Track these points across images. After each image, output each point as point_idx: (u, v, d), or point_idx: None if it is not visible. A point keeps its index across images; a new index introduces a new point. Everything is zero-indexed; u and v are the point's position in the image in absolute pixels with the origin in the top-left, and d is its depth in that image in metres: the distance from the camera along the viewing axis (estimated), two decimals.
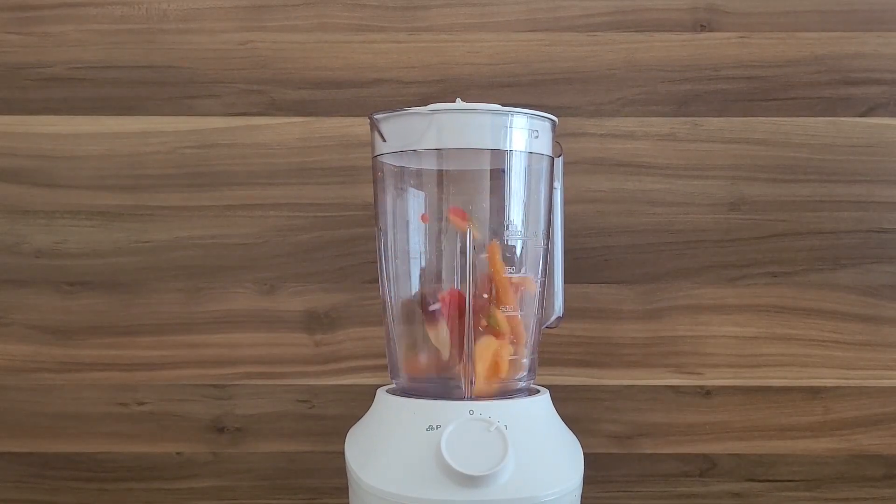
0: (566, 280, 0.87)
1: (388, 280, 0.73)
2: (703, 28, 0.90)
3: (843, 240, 0.90)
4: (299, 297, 0.91)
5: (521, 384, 0.72)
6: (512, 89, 0.90)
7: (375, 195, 0.74)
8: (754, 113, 0.90)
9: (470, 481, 0.62)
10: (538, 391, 0.72)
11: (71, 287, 0.90)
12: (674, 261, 0.90)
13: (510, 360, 0.70)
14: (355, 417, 0.73)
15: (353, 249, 0.90)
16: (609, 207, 0.90)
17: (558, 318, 0.77)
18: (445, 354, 0.69)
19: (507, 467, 0.63)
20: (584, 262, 0.90)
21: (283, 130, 0.90)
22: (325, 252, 0.90)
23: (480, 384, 0.69)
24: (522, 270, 0.71)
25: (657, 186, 0.90)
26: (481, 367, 0.69)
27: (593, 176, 0.90)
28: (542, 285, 0.73)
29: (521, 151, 0.70)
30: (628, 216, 0.90)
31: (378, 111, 0.69)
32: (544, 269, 0.74)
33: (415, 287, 0.72)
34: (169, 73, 0.90)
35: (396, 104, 0.87)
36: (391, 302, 0.73)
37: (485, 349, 0.69)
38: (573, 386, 0.90)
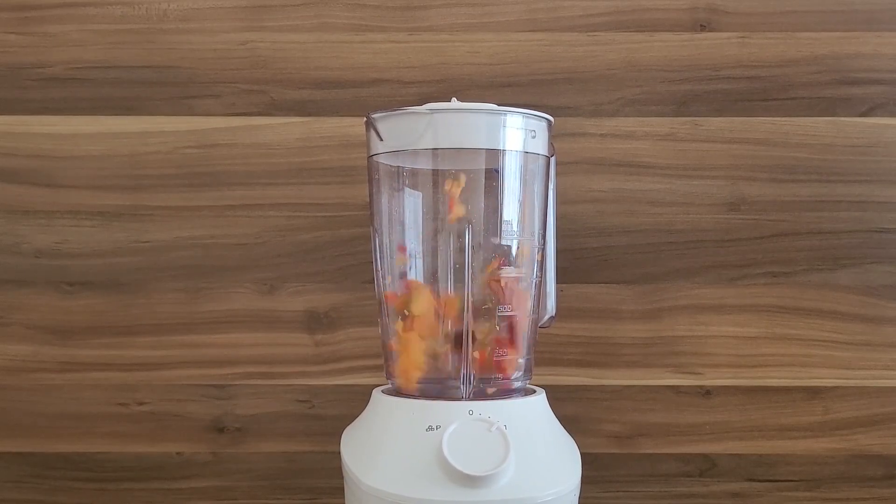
0: (565, 280, 0.87)
1: (384, 280, 0.73)
2: (703, 28, 0.90)
3: (843, 240, 0.90)
4: (299, 297, 0.91)
5: (518, 384, 0.72)
6: (512, 89, 0.90)
7: (371, 195, 0.74)
8: (754, 113, 0.90)
9: (472, 481, 0.62)
10: (534, 391, 0.72)
11: (71, 287, 0.91)
12: (674, 261, 0.90)
13: (507, 361, 0.70)
14: (355, 417, 0.73)
15: (353, 249, 0.90)
16: (609, 207, 0.90)
17: (551, 318, 0.77)
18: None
19: (508, 467, 0.63)
20: (584, 262, 0.90)
21: (283, 130, 0.90)
22: (325, 252, 0.91)
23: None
24: (518, 270, 0.71)
25: (657, 186, 0.90)
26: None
27: (593, 176, 0.90)
28: (538, 285, 0.73)
29: (517, 151, 0.70)
30: (628, 216, 0.90)
31: (375, 111, 0.69)
32: (540, 268, 0.74)
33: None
34: (169, 73, 0.90)
35: (396, 104, 0.87)
36: (387, 302, 0.73)
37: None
38: (573, 386, 0.90)
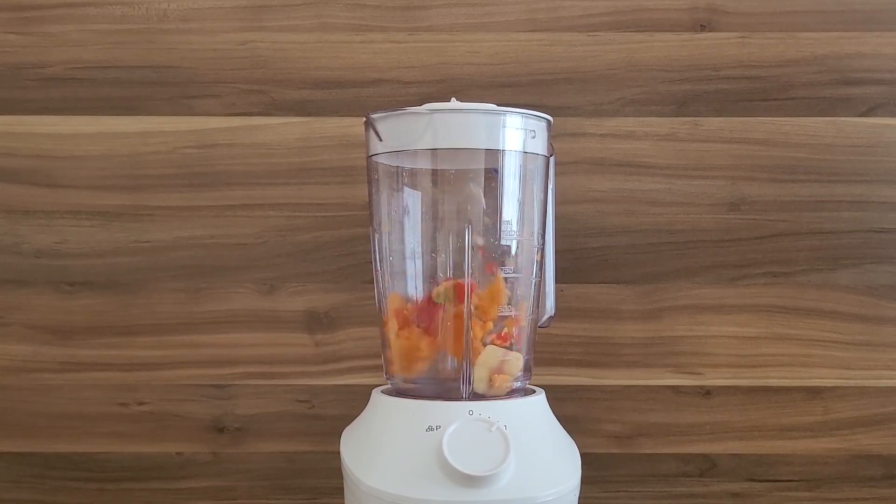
0: (565, 280, 0.87)
1: (384, 280, 0.73)
2: (703, 28, 0.90)
3: (843, 240, 0.90)
4: (299, 297, 0.91)
5: (518, 384, 0.71)
6: (512, 89, 0.90)
7: (370, 195, 0.74)
8: (754, 113, 0.90)
9: (472, 482, 0.62)
10: (534, 391, 0.72)
11: (71, 287, 0.91)
12: (674, 261, 0.90)
13: (507, 361, 0.70)
14: (355, 417, 0.73)
15: (353, 249, 0.90)
16: (609, 207, 0.90)
17: (550, 318, 0.77)
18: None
19: (508, 467, 0.63)
20: (584, 262, 0.90)
21: (283, 130, 0.90)
22: (325, 252, 0.91)
23: (481, 388, 0.69)
24: (517, 270, 0.71)
25: (657, 186, 0.90)
26: (482, 373, 0.69)
27: (593, 176, 0.90)
28: (537, 286, 0.73)
29: (517, 151, 0.70)
30: (628, 216, 0.90)
31: (374, 111, 0.69)
32: (539, 268, 0.74)
33: (410, 287, 0.72)
34: (169, 73, 0.90)
35: (396, 104, 0.87)
36: (386, 302, 0.73)
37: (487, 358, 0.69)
38: (573, 386, 0.90)
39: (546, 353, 0.89)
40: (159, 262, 0.91)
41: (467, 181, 0.70)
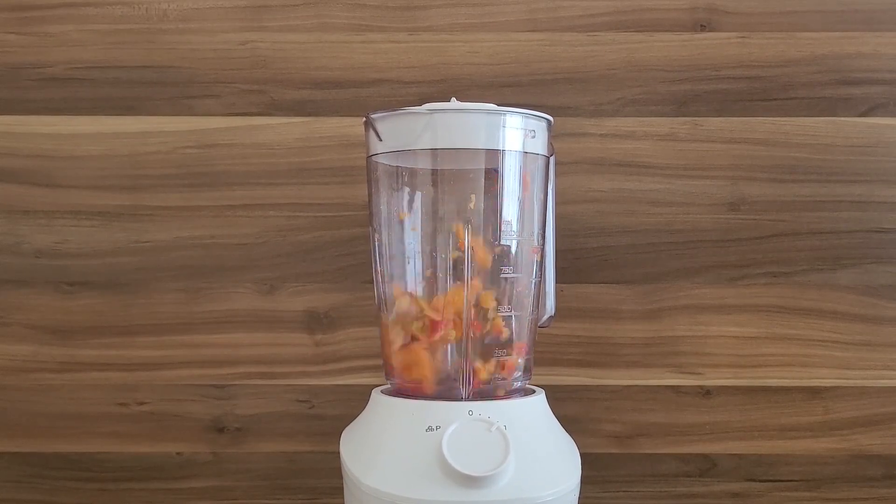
0: (565, 280, 0.87)
1: (383, 280, 0.73)
2: (703, 28, 0.90)
3: (843, 240, 0.90)
4: (299, 297, 0.91)
5: (518, 384, 0.72)
6: (512, 89, 0.90)
7: (370, 195, 0.74)
8: (754, 113, 0.90)
9: (472, 482, 0.62)
10: (534, 391, 0.72)
11: (71, 287, 0.91)
12: (674, 261, 0.90)
13: (507, 360, 0.70)
14: (355, 417, 0.73)
15: (353, 249, 0.90)
16: (609, 207, 0.90)
17: (550, 318, 0.77)
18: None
19: (508, 468, 0.63)
20: (584, 262, 0.90)
21: (283, 130, 0.90)
22: (325, 252, 0.91)
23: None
24: (517, 270, 0.71)
25: (657, 186, 0.90)
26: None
27: (593, 176, 0.90)
28: (537, 285, 0.73)
29: (517, 151, 0.70)
30: (628, 216, 0.90)
31: (374, 111, 0.69)
32: (539, 268, 0.73)
33: (409, 287, 0.72)
34: (169, 73, 0.90)
35: (396, 104, 0.87)
36: (386, 302, 0.73)
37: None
38: (573, 386, 0.90)
39: (546, 353, 0.89)
40: (159, 262, 0.91)
41: (467, 181, 0.70)
